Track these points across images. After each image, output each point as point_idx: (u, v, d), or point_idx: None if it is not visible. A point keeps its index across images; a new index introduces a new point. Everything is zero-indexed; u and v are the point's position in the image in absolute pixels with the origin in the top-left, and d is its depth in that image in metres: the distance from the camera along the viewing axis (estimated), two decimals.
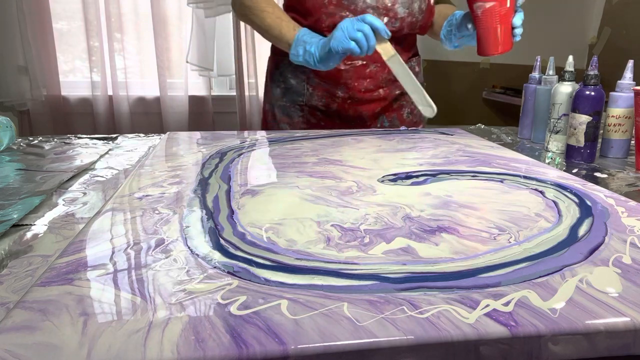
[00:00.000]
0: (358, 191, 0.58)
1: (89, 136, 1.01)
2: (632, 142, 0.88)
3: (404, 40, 1.06)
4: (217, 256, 0.40)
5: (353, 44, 0.84)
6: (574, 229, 0.47)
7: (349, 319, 0.31)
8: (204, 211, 0.51)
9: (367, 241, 0.44)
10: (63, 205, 0.59)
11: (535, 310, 0.33)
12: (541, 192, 0.59)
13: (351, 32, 0.85)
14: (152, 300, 0.33)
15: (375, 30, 0.85)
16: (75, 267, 0.38)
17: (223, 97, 2.29)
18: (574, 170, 0.78)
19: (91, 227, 0.47)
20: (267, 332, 0.30)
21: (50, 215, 0.56)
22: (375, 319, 0.31)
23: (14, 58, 1.99)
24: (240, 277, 0.37)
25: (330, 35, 0.88)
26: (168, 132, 0.99)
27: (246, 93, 2.20)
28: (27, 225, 0.53)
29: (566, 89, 0.88)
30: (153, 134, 1.04)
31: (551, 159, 0.83)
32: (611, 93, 0.86)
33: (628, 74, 0.84)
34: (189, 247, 0.42)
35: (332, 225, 0.47)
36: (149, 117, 2.22)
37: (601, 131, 0.89)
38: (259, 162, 0.73)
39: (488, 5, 0.83)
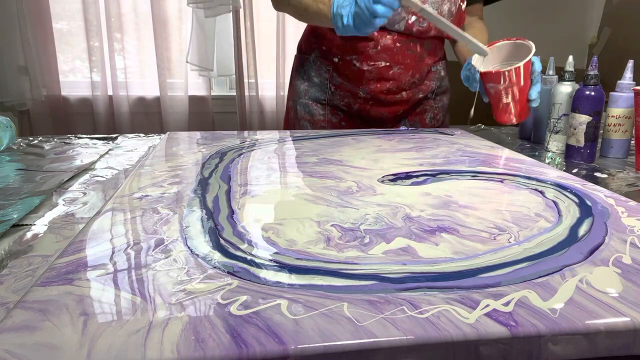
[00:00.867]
0: (358, 191, 0.58)
1: (89, 136, 1.01)
2: (632, 142, 0.88)
3: (430, 43, 1.04)
4: (217, 256, 0.40)
5: (370, 18, 0.80)
6: (574, 229, 0.47)
7: (349, 319, 0.31)
8: (204, 211, 0.51)
9: (367, 241, 0.44)
10: (63, 205, 0.59)
11: (535, 310, 0.33)
12: (541, 192, 0.59)
13: (368, 4, 0.79)
14: (152, 300, 0.33)
15: None
16: (75, 267, 0.38)
17: (223, 97, 2.29)
18: (574, 170, 0.78)
19: (91, 227, 0.47)
20: (267, 332, 0.30)
21: (50, 215, 0.56)
22: (375, 319, 0.31)
23: (14, 58, 1.99)
24: (240, 277, 0.37)
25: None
26: (168, 132, 0.99)
27: (246, 93, 2.20)
28: (27, 225, 0.53)
29: (566, 89, 0.88)
30: (153, 134, 1.04)
31: (551, 159, 0.83)
32: (611, 93, 0.86)
33: (628, 74, 0.84)
34: (188, 247, 0.42)
35: (332, 225, 0.47)
36: (149, 117, 2.22)
37: (601, 131, 0.89)
38: (259, 162, 0.73)
39: (501, 86, 0.81)
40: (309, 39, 1.10)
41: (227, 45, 2.15)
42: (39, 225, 0.53)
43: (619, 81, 0.84)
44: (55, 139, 0.98)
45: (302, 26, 1.15)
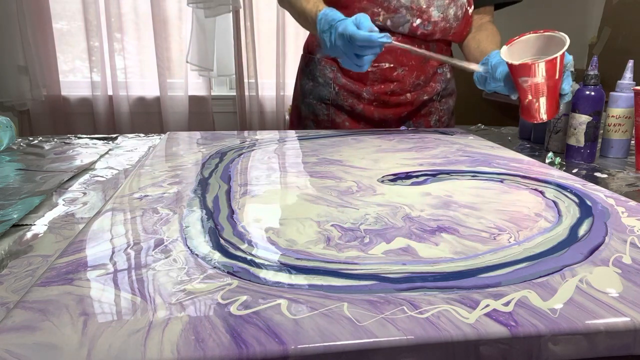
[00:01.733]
0: (358, 191, 0.58)
1: (89, 136, 1.01)
2: (632, 142, 0.88)
3: (436, 46, 1.03)
4: (217, 256, 0.40)
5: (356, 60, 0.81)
6: (574, 229, 0.47)
7: (349, 319, 0.31)
8: (204, 211, 0.51)
9: (367, 241, 0.44)
10: (63, 205, 0.59)
11: (535, 310, 0.33)
12: (541, 192, 0.59)
13: (355, 49, 0.79)
14: (152, 300, 0.33)
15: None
16: (75, 267, 0.38)
17: (223, 97, 2.30)
18: (574, 170, 0.78)
19: (91, 227, 0.47)
20: (267, 332, 0.30)
21: (50, 215, 0.56)
22: (375, 319, 0.31)
23: (14, 58, 1.99)
24: (240, 277, 0.37)
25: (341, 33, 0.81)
26: (168, 132, 0.99)
27: (246, 93, 2.21)
28: (27, 225, 0.53)
29: None
30: (153, 134, 1.04)
31: (551, 159, 0.83)
32: (611, 93, 0.86)
33: (628, 74, 0.84)
34: (188, 247, 0.42)
35: (332, 225, 0.47)
36: (149, 117, 2.22)
37: (601, 131, 0.89)
38: (259, 162, 0.73)
39: (534, 80, 0.77)
40: (315, 39, 1.10)
41: (227, 45, 2.15)
42: (39, 225, 0.53)
43: (619, 81, 0.84)
44: (55, 139, 0.98)
45: None
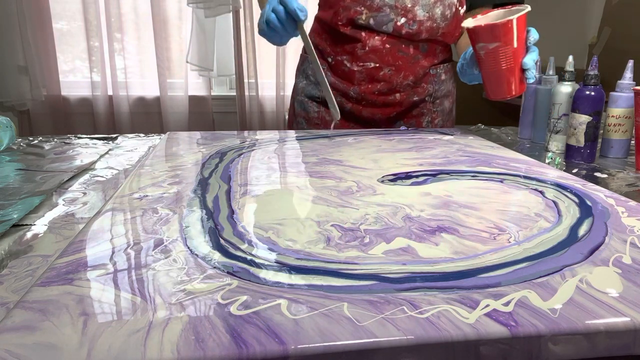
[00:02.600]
0: (358, 191, 0.58)
1: (89, 136, 1.01)
2: (632, 142, 0.88)
3: (427, 46, 1.01)
4: (217, 256, 0.40)
5: (265, 26, 0.82)
6: (574, 229, 0.47)
7: (349, 319, 0.31)
8: (204, 211, 0.51)
9: (367, 241, 0.44)
10: (63, 205, 0.59)
11: (535, 310, 0.33)
12: (541, 192, 0.59)
13: (267, 12, 0.80)
14: (152, 300, 0.33)
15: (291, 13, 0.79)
16: (75, 267, 0.38)
17: (223, 97, 2.29)
18: (574, 170, 0.78)
19: (91, 227, 0.47)
20: (267, 332, 0.30)
21: (50, 215, 0.56)
22: (375, 319, 0.31)
23: (14, 58, 1.99)
24: (240, 277, 0.37)
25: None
26: (168, 132, 0.99)
27: (246, 93, 2.20)
28: (27, 225, 0.53)
29: (566, 89, 0.88)
30: (153, 134, 1.04)
31: (551, 159, 0.83)
32: (611, 93, 0.86)
33: (628, 74, 0.84)
34: (188, 247, 0.42)
35: (332, 225, 0.47)
36: (149, 117, 2.22)
37: (601, 131, 0.89)
38: (259, 162, 0.73)
39: (491, 46, 0.75)
40: (310, 39, 1.10)
41: (227, 45, 2.15)
42: (39, 225, 0.53)
43: (619, 81, 0.84)
44: (55, 139, 0.98)
45: None
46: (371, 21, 0.96)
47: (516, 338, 0.31)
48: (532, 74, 0.79)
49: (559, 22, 2.52)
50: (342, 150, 0.81)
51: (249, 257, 0.40)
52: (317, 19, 1.10)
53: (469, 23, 0.80)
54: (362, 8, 0.96)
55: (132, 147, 0.92)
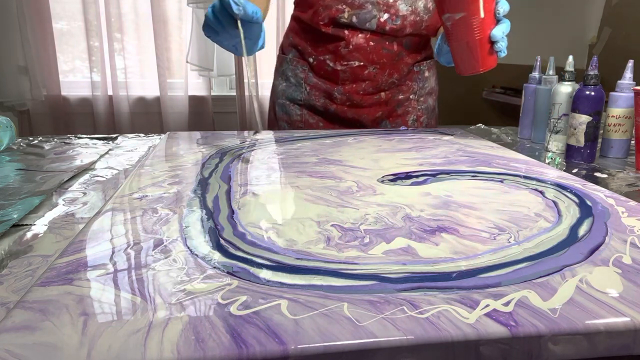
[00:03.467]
0: (358, 191, 0.58)
1: (89, 136, 1.01)
2: (632, 142, 0.88)
3: (410, 42, 1.00)
4: (217, 256, 0.40)
5: (205, 25, 0.74)
6: (574, 229, 0.47)
7: (349, 319, 0.31)
8: (204, 211, 0.51)
9: (367, 241, 0.44)
10: (63, 205, 0.59)
11: (535, 310, 0.33)
12: (541, 192, 0.59)
13: (208, 9, 0.72)
14: (152, 300, 0.33)
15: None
16: (75, 267, 0.38)
17: (223, 97, 2.30)
18: (574, 170, 0.78)
19: (91, 227, 0.47)
20: (267, 332, 0.30)
21: (50, 215, 0.56)
22: (375, 319, 0.31)
23: (14, 58, 1.99)
24: (240, 277, 0.37)
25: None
26: (168, 132, 0.99)
27: (246, 93, 2.20)
28: (27, 225, 0.53)
29: (566, 89, 0.88)
30: (153, 134, 1.04)
31: (551, 159, 0.83)
32: (611, 93, 0.86)
33: (628, 74, 0.84)
34: (188, 247, 0.42)
35: (332, 225, 0.47)
36: (149, 117, 2.22)
37: (601, 131, 0.89)
38: (259, 162, 0.73)
39: (457, 16, 0.73)
40: (288, 39, 1.09)
41: None
42: (39, 225, 0.53)
43: (619, 81, 0.84)
44: (55, 139, 0.98)
45: None
46: (354, 19, 0.94)
47: (516, 338, 0.31)
48: (502, 47, 0.76)
49: (559, 22, 2.52)
50: (342, 150, 0.81)
51: (249, 257, 0.40)
52: (296, 18, 1.07)
53: None
54: (344, 6, 0.94)
55: (132, 147, 0.92)
